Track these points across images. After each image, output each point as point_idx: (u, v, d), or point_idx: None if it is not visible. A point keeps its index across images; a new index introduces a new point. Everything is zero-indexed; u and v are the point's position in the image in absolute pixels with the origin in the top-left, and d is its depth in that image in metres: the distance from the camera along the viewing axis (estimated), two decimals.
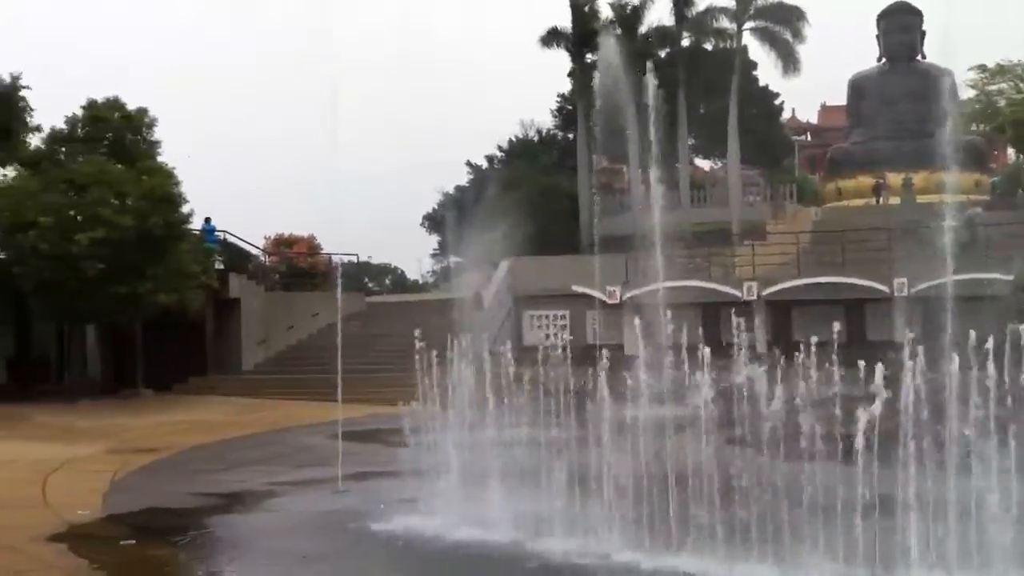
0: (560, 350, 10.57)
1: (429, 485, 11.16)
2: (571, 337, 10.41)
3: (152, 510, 12.54)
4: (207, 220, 31.60)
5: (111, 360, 31.88)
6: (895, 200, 46.01)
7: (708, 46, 49.49)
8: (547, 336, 10.17)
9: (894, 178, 47.80)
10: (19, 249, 24.67)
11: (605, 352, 9.82)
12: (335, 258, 37.96)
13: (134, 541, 10.64)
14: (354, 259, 40.48)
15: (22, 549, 9.98)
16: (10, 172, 27.18)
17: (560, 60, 45.03)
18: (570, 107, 50.25)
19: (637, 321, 10.29)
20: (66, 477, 15.12)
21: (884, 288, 28.83)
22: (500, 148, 58.97)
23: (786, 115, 71.24)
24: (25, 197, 24.98)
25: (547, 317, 32.89)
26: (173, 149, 28.94)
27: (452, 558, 9.43)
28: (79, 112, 28.33)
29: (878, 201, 48.88)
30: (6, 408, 24.86)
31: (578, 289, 31.64)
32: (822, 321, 9.67)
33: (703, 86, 49.35)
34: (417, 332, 11.92)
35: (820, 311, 26.43)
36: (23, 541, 10.30)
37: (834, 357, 8.45)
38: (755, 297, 29.90)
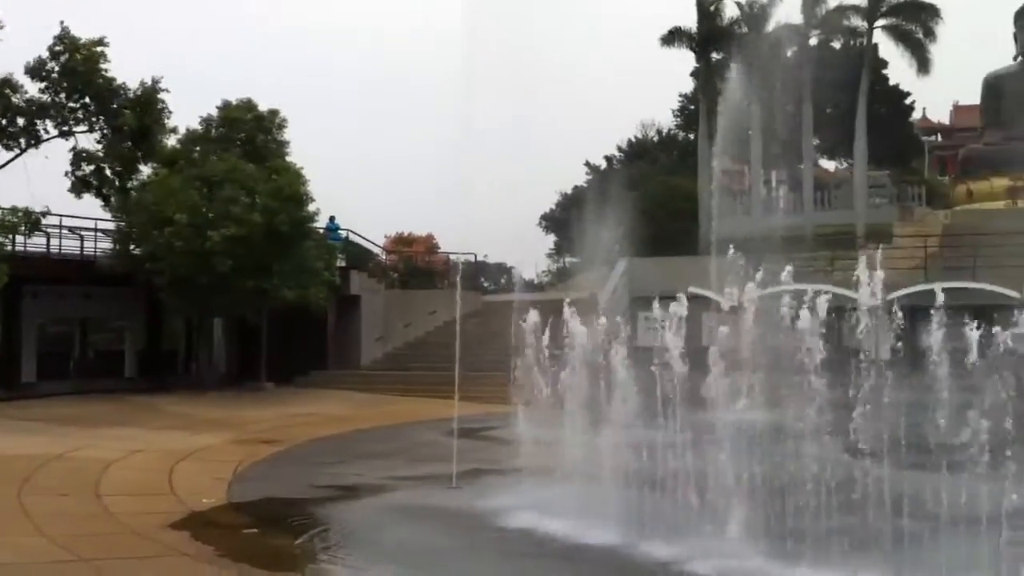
0: (671, 352, 10.45)
1: (540, 484, 11.21)
2: (685, 340, 10.28)
3: (274, 500, 12.90)
4: (331, 219, 32.39)
5: (236, 353, 32.94)
6: None
7: (837, 44, 48.21)
8: (661, 338, 10.07)
9: None
10: (155, 245, 25.64)
11: (719, 355, 9.72)
12: (453, 257, 38.34)
13: (256, 530, 10.98)
14: (471, 258, 40.87)
15: (149, 536, 10.39)
16: (148, 172, 28.28)
17: (681, 60, 44.43)
18: (692, 107, 49.64)
19: (752, 324, 10.14)
20: (192, 466, 15.68)
21: (1016, 294, 27.64)
22: (619, 148, 58.68)
23: (916, 115, 68.81)
24: (166, 195, 25.92)
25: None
26: (299, 148, 29.64)
27: (559, 554, 9.50)
28: (214, 113, 29.38)
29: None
30: (137, 398, 25.98)
31: (695, 291, 31.16)
32: (949, 328, 9.36)
33: (830, 85, 48.10)
34: (535, 331, 12.01)
35: (948, 317, 25.45)
36: (151, 528, 10.72)
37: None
38: (879, 302, 28.97)
